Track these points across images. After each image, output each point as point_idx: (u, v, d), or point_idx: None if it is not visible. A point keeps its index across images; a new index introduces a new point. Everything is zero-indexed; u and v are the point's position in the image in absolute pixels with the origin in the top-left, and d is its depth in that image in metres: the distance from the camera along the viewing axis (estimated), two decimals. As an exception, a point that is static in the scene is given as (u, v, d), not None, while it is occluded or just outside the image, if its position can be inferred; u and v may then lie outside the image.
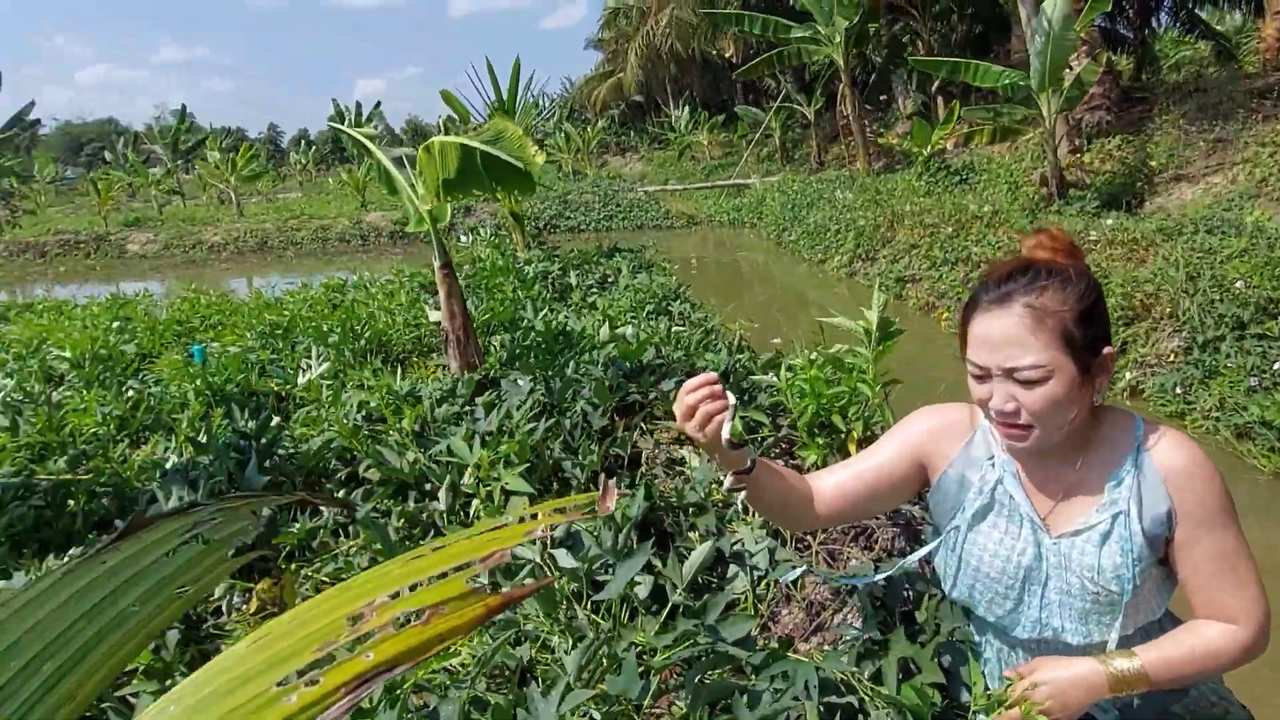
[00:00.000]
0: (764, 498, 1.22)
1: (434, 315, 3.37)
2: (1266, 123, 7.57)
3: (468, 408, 2.32)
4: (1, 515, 1.83)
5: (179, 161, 23.90)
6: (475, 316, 3.47)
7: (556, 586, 1.53)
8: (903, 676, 1.27)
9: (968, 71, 7.88)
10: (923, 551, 1.32)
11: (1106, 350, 1.14)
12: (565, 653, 1.37)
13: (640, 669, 1.26)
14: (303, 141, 54.89)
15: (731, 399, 1.10)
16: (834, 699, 1.26)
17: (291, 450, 2.08)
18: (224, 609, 1.64)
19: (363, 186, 17.35)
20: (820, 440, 1.90)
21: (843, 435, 1.92)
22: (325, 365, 3.00)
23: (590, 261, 5.20)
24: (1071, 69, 7.31)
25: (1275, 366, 3.86)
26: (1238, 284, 4.30)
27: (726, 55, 24.32)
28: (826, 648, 1.50)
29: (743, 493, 1.19)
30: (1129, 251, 5.47)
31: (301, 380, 2.95)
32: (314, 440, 2.06)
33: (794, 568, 1.55)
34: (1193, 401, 4.11)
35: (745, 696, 1.22)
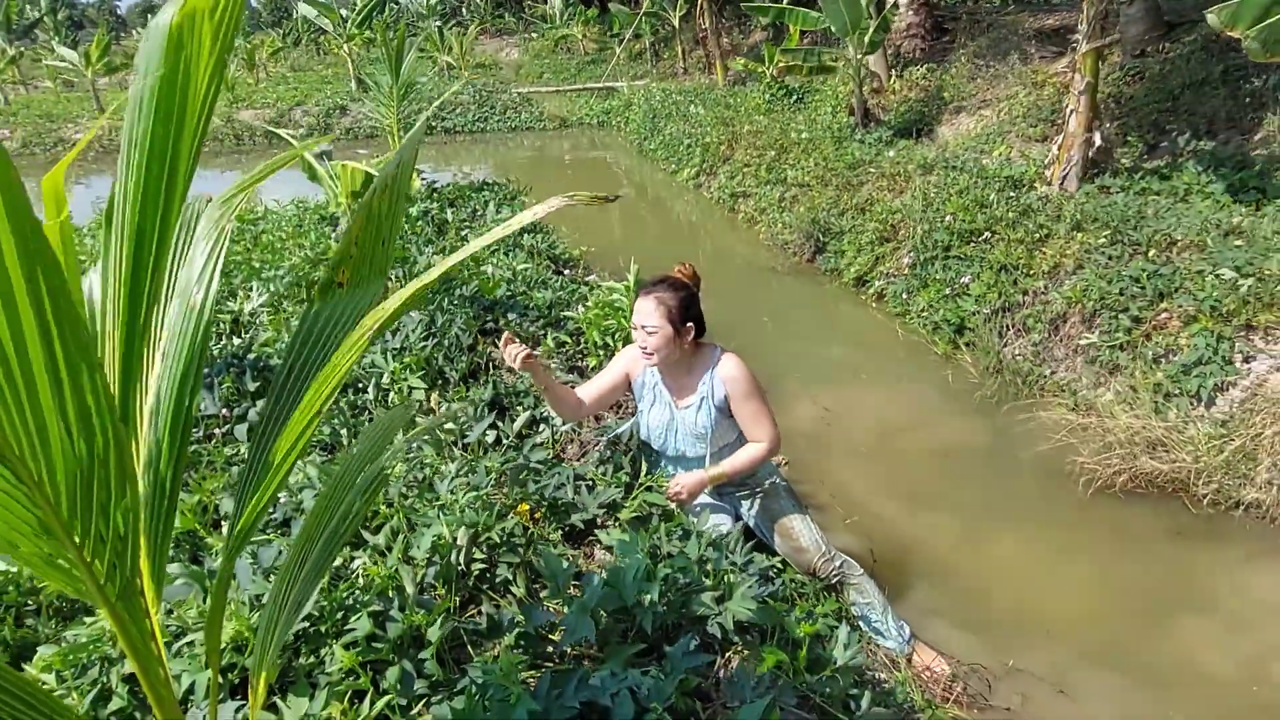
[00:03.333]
0: (555, 405, 2.55)
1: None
2: (1031, 63, 9.13)
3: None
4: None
5: (19, 46, 22.34)
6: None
7: (441, 436, 2.78)
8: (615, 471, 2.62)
9: (791, 16, 9.04)
10: (631, 422, 2.69)
11: (688, 325, 2.47)
12: (449, 468, 2.63)
13: (487, 474, 2.54)
14: (148, 14, 50.65)
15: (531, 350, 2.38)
16: (580, 482, 2.58)
17: (265, 365, 3.21)
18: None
19: (231, 84, 17.11)
20: (601, 354, 3.21)
21: (612, 351, 3.23)
22: (264, 297, 4.06)
23: (463, 197, 6.25)
24: (871, 15, 8.59)
25: (961, 280, 5.41)
26: (948, 217, 5.81)
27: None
28: (585, 463, 2.82)
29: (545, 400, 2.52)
30: (891, 183, 6.93)
31: (247, 308, 4.01)
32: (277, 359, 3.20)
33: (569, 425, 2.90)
34: (910, 305, 5.65)
35: (538, 484, 2.52)
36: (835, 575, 2.61)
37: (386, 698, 1.57)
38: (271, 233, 5.23)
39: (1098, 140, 6.03)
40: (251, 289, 4.16)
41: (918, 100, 9.74)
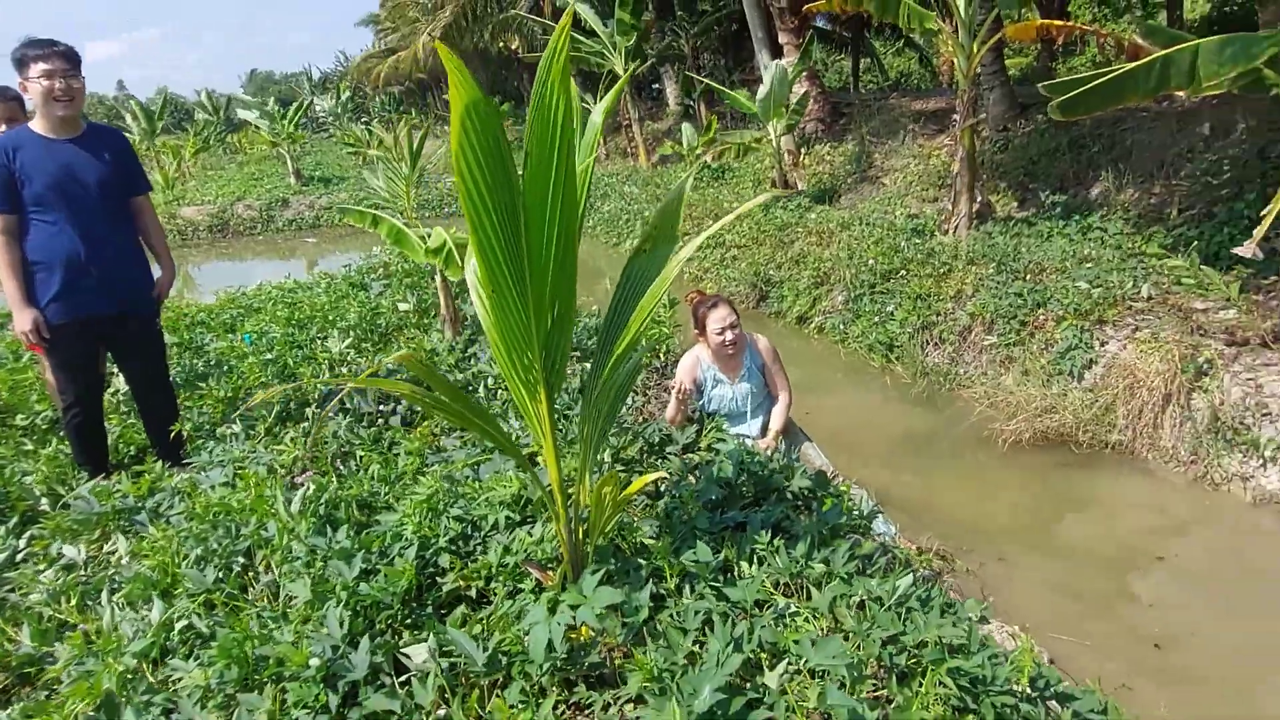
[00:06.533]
0: (677, 415, 3.57)
1: (403, 306, 5.40)
2: (917, 140, 10.87)
3: (465, 352, 4.48)
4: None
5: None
6: (426, 300, 5.57)
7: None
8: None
9: (731, 99, 10.59)
10: (704, 403, 3.76)
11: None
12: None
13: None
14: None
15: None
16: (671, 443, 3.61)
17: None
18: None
19: (171, 183, 17.67)
20: (648, 354, 4.29)
21: (656, 351, 4.32)
22: (348, 341, 4.97)
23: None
24: (790, 102, 10.18)
25: (887, 309, 6.72)
26: (870, 261, 7.18)
27: (513, 48, 26.06)
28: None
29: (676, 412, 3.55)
30: (819, 239, 8.32)
31: (335, 349, 4.91)
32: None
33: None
34: (848, 333, 6.92)
35: (639, 433, 3.54)
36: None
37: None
38: (318, 296, 6.16)
39: (979, 197, 7.56)
40: (330, 336, 5.05)
41: (826, 173, 11.36)
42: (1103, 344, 5.15)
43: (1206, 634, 3.34)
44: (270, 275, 7.73)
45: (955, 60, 7.08)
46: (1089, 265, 5.88)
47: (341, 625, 2.02)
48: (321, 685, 1.87)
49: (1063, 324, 5.36)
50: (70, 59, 3.26)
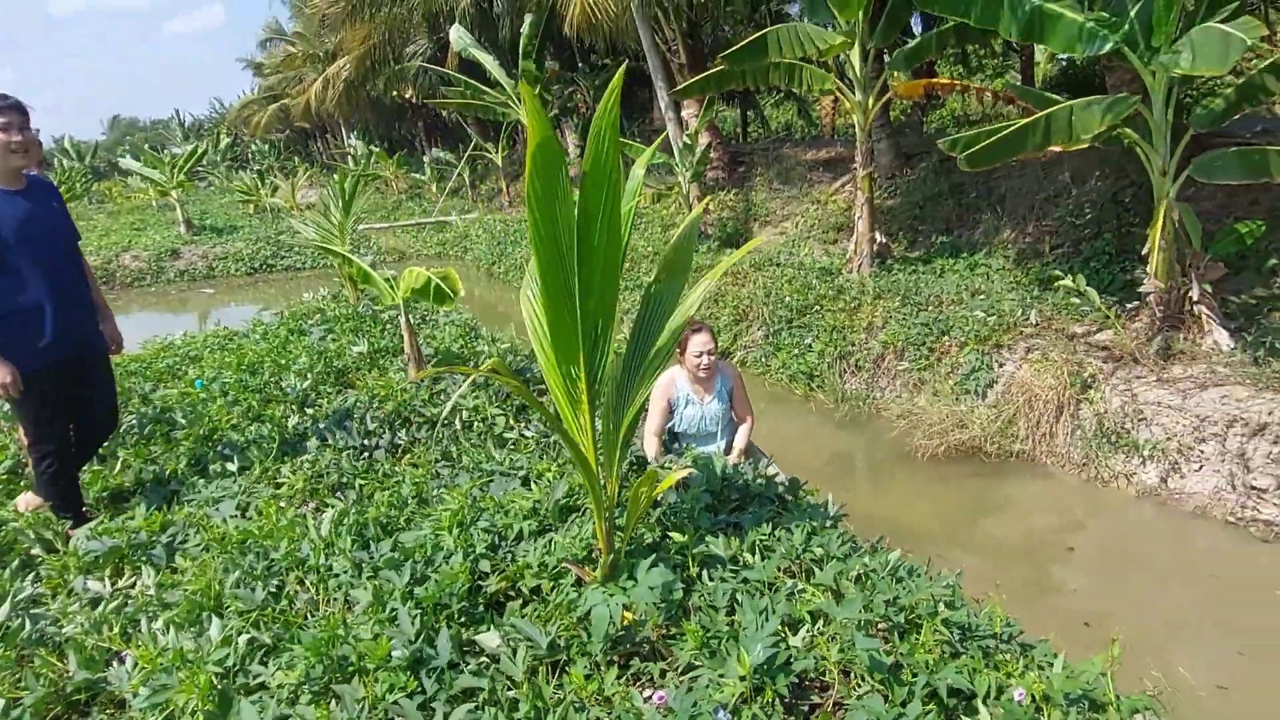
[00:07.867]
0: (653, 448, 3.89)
1: (356, 348, 5.54)
2: (815, 187, 11.69)
3: (433, 389, 4.68)
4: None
5: None
6: (374, 343, 5.72)
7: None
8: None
9: (633, 150, 11.12)
10: (674, 423, 4.10)
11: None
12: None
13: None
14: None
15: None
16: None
17: (364, 416, 4.30)
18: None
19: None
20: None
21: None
22: (307, 383, 5.06)
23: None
24: (696, 150, 10.82)
25: (805, 341, 7.27)
26: (786, 298, 7.75)
27: (406, 96, 26.16)
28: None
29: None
30: (735, 280, 8.87)
31: (295, 390, 4.99)
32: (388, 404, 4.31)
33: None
34: (769, 365, 7.43)
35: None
36: (798, 499, 4.10)
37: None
38: (257, 343, 6.19)
39: (879, 238, 8.29)
40: (284, 379, 5.12)
41: (730, 217, 12.04)
42: (1001, 365, 5.81)
43: (1123, 609, 3.88)
44: (165, 329, 7.59)
45: (854, 116, 7.81)
46: (982, 296, 6.59)
47: (413, 623, 2.24)
48: (408, 673, 2.08)
49: (965, 349, 6.01)
50: (21, 111, 3.32)
